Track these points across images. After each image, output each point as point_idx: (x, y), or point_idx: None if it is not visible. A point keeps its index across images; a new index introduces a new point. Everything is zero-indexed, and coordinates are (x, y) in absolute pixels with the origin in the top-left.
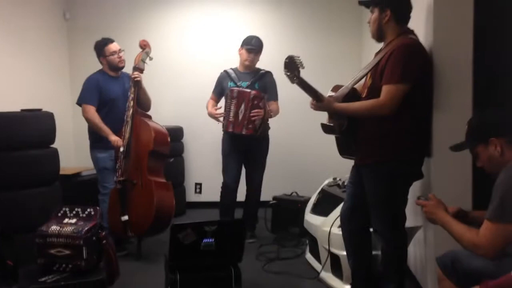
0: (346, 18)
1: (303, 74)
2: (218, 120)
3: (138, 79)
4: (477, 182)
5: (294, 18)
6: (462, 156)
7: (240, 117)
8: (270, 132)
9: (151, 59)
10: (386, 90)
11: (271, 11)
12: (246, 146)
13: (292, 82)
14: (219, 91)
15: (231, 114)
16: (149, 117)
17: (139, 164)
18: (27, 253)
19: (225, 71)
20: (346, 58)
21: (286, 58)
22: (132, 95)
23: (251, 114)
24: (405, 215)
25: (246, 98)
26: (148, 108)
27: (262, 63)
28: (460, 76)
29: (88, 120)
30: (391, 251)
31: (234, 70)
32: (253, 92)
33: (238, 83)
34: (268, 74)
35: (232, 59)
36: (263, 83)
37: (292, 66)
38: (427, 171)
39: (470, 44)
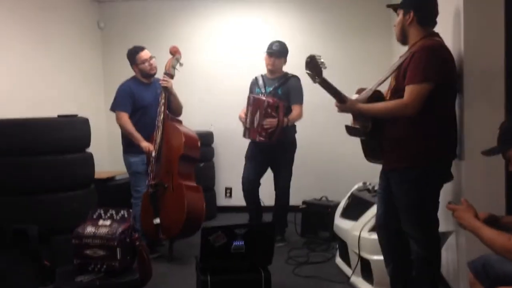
0: (375, 21)
1: (330, 75)
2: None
3: (165, 84)
4: (511, 186)
5: (323, 21)
6: (495, 160)
7: (256, 124)
8: (301, 137)
9: (181, 65)
10: (409, 90)
11: (299, 16)
12: (270, 151)
13: (314, 81)
14: None
15: (248, 120)
16: (180, 122)
17: (170, 168)
18: (63, 254)
19: (255, 77)
20: (375, 61)
21: (307, 58)
22: (162, 101)
23: (264, 123)
24: (437, 219)
25: (261, 106)
26: (179, 113)
27: (292, 67)
28: (493, 79)
29: (121, 126)
30: (424, 255)
31: (263, 76)
32: (268, 100)
33: (263, 90)
34: (293, 78)
35: (261, 65)
36: (286, 88)
37: (313, 66)
38: (459, 175)
39: (502, 47)
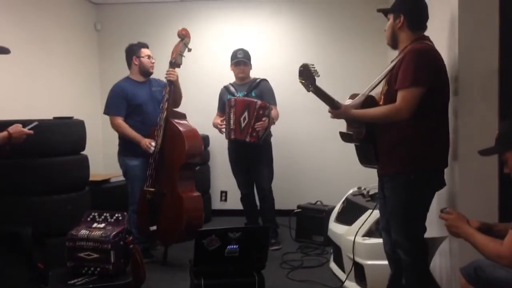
0: (370, 26)
1: (324, 81)
2: (221, 131)
3: (172, 78)
4: (504, 192)
5: (320, 27)
6: (488, 166)
7: (244, 124)
8: (296, 142)
9: (189, 50)
10: (401, 95)
11: (296, 22)
12: (249, 155)
13: (308, 90)
14: (222, 106)
15: (231, 122)
16: (184, 116)
17: (170, 175)
18: (57, 257)
19: (224, 86)
20: (371, 67)
21: (301, 66)
22: (166, 96)
23: (256, 125)
24: (424, 226)
25: (252, 107)
26: (178, 104)
27: (287, 73)
28: (486, 84)
29: (117, 131)
30: (410, 261)
31: (232, 84)
32: (259, 102)
33: (236, 95)
34: (264, 81)
35: (258, 68)
36: (259, 91)
37: (306, 74)
38: (453, 179)
39: (496, 52)
